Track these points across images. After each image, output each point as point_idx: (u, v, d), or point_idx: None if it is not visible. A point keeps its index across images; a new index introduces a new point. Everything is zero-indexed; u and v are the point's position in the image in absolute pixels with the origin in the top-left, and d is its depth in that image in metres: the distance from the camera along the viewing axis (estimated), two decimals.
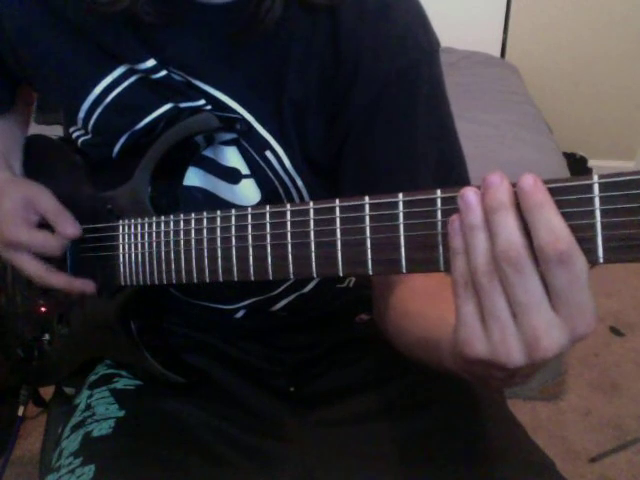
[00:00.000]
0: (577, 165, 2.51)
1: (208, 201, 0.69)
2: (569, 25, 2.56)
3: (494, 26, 2.63)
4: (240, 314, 0.78)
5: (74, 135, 0.73)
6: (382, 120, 0.63)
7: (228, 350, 0.80)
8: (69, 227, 0.68)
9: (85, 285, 0.69)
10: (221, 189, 0.68)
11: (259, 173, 0.67)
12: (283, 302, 0.77)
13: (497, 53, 2.65)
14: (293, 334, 0.81)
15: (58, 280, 0.70)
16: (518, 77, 2.42)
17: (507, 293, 0.39)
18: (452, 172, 0.66)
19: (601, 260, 0.38)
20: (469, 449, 0.63)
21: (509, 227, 0.39)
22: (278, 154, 0.66)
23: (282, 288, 0.75)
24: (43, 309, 0.78)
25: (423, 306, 0.59)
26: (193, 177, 0.68)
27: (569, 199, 0.38)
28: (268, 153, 0.66)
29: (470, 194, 0.40)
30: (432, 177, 0.64)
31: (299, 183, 0.68)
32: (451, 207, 0.42)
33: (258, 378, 0.78)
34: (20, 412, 0.92)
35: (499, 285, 0.39)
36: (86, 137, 0.71)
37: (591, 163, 2.57)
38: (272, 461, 0.68)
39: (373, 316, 0.70)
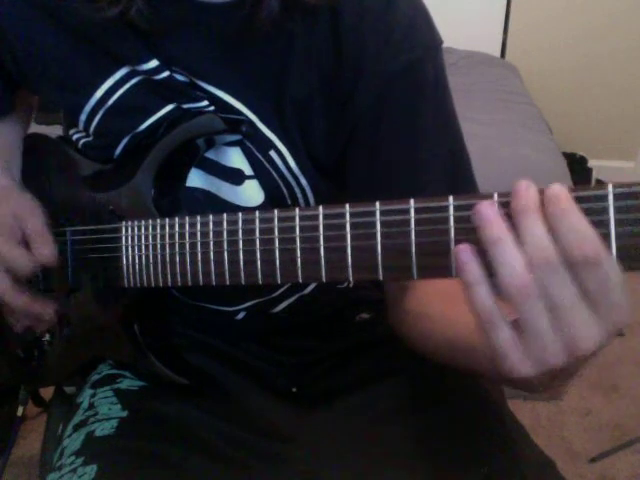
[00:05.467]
0: (577, 165, 2.51)
1: (210, 203, 0.68)
2: (569, 25, 2.56)
3: (494, 26, 2.64)
4: (241, 316, 0.78)
5: (74, 137, 0.72)
6: (388, 117, 0.63)
7: (229, 351, 0.80)
8: (45, 250, 0.68)
9: (45, 309, 0.70)
10: (224, 190, 0.68)
11: (263, 173, 0.67)
12: (284, 304, 0.77)
13: (497, 53, 2.66)
14: (294, 335, 0.81)
15: (20, 300, 0.70)
16: (518, 77, 2.42)
17: (545, 301, 0.39)
18: (460, 168, 0.66)
19: None
20: (469, 449, 0.63)
21: (538, 230, 0.38)
22: (282, 153, 0.66)
23: (283, 290, 0.75)
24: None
25: (447, 309, 0.58)
26: (195, 179, 0.68)
27: (582, 208, 0.38)
28: (272, 153, 0.66)
29: (484, 208, 0.40)
30: (443, 173, 0.64)
31: (303, 182, 0.68)
32: (464, 214, 0.42)
33: (260, 379, 0.78)
34: (19, 412, 0.92)
35: (534, 296, 0.39)
36: (87, 139, 0.71)
37: (591, 163, 2.57)
38: (275, 461, 0.68)
39: (388, 320, 0.70)
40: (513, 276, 0.39)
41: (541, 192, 0.39)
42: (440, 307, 0.59)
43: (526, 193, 0.39)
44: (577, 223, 0.38)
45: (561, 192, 0.38)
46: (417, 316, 0.62)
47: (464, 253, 0.40)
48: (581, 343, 0.39)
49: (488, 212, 0.39)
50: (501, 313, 0.40)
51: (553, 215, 0.38)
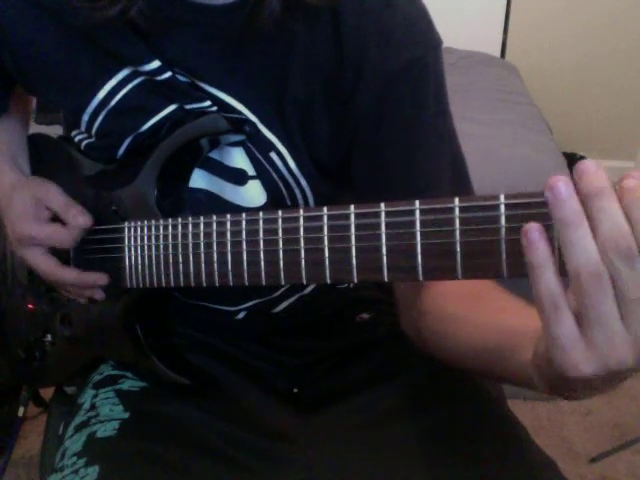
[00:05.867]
0: None
1: (213, 203, 0.68)
2: (569, 25, 2.56)
3: (494, 26, 2.63)
4: (241, 315, 0.78)
5: (77, 139, 0.72)
6: (389, 116, 0.63)
7: (230, 351, 0.80)
8: (79, 216, 0.68)
9: (98, 278, 0.69)
10: (226, 191, 0.68)
11: (264, 174, 0.67)
12: (284, 304, 0.77)
13: (497, 53, 2.65)
14: (294, 335, 0.81)
15: (70, 274, 0.70)
16: (518, 77, 2.42)
17: (615, 292, 0.36)
18: (459, 169, 0.66)
19: None
20: (470, 449, 0.63)
21: (615, 213, 0.35)
22: (283, 155, 0.66)
23: (283, 290, 0.75)
24: (45, 309, 0.78)
25: (470, 311, 0.57)
26: (198, 179, 0.68)
27: None
28: (273, 154, 0.66)
29: (560, 185, 0.36)
30: (444, 173, 0.64)
31: (303, 183, 0.68)
32: (469, 215, 0.42)
33: (260, 379, 0.78)
34: (20, 413, 0.92)
35: (606, 286, 0.36)
36: (90, 140, 0.71)
37: None
38: (276, 463, 0.68)
39: (400, 320, 0.70)
40: (587, 262, 0.36)
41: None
42: (459, 307, 0.59)
43: (598, 174, 0.36)
44: None
45: (634, 180, 0.36)
46: (436, 317, 0.62)
47: (534, 232, 0.37)
48: None
49: (564, 189, 0.36)
50: (566, 297, 0.37)
51: (630, 203, 0.35)
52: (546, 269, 0.37)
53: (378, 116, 0.63)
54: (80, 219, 0.68)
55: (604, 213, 0.36)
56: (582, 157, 2.58)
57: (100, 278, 0.69)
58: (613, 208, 0.36)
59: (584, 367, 0.38)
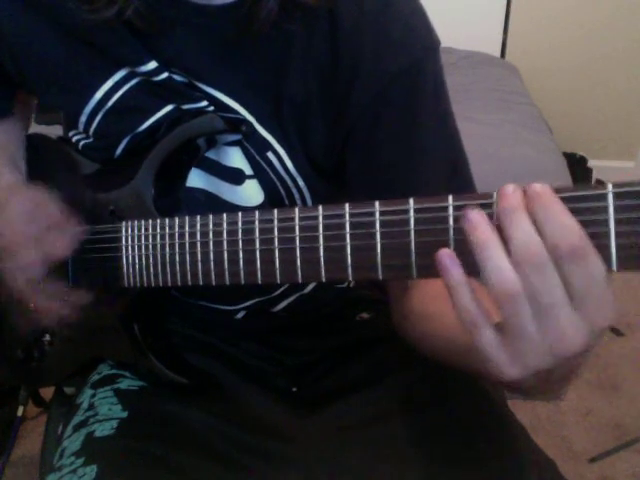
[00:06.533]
0: (577, 165, 2.51)
1: (210, 203, 0.68)
2: (569, 25, 2.56)
3: (494, 26, 2.64)
4: (240, 315, 0.78)
5: (74, 139, 0.73)
6: (387, 117, 0.63)
7: (229, 350, 0.80)
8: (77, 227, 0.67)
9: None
10: (224, 191, 0.68)
11: (261, 174, 0.67)
12: (284, 303, 0.77)
13: (497, 53, 2.66)
14: (294, 335, 0.81)
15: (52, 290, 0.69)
16: (518, 77, 2.42)
17: (530, 302, 0.39)
18: (458, 169, 0.66)
19: (614, 268, 0.38)
20: (469, 448, 0.63)
21: (525, 227, 0.39)
22: (280, 155, 0.66)
23: (282, 289, 0.75)
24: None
25: (447, 309, 0.58)
26: (195, 179, 0.68)
27: (582, 207, 0.39)
28: (270, 154, 0.66)
29: (470, 213, 0.40)
30: (441, 174, 0.64)
31: (300, 183, 0.68)
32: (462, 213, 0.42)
33: (260, 379, 0.78)
34: (19, 412, 0.92)
35: (520, 297, 0.39)
36: (87, 141, 0.71)
37: (591, 163, 2.57)
38: (275, 462, 0.68)
39: (392, 321, 0.71)
40: (500, 277, 0.39)
41: (525, 192, 0.40)
42: (441, 307, 0.59)
43: (512, 194, 0.40)
44: (561, 216, 0.38)
45: (543, 188, 0.39)
46: (419, 316, 0.63)
47: (445, 257, 0.41)
48: (567, 344, 0.39)
49: (474, 216, 0.40)
50: (484, 315, 0.41)
51: (537, 210, 0.39)
52: (460, 288, 0.41)
53: (374, 117, 0.63)
54: (58, 251, 0.67)
55: (516, 227, 0.39)
56: (582, 157, 2.58)
57: (83, 297, 0.69)
58: (524, 220, 0.39)
59: (509, 371, 0.41)
